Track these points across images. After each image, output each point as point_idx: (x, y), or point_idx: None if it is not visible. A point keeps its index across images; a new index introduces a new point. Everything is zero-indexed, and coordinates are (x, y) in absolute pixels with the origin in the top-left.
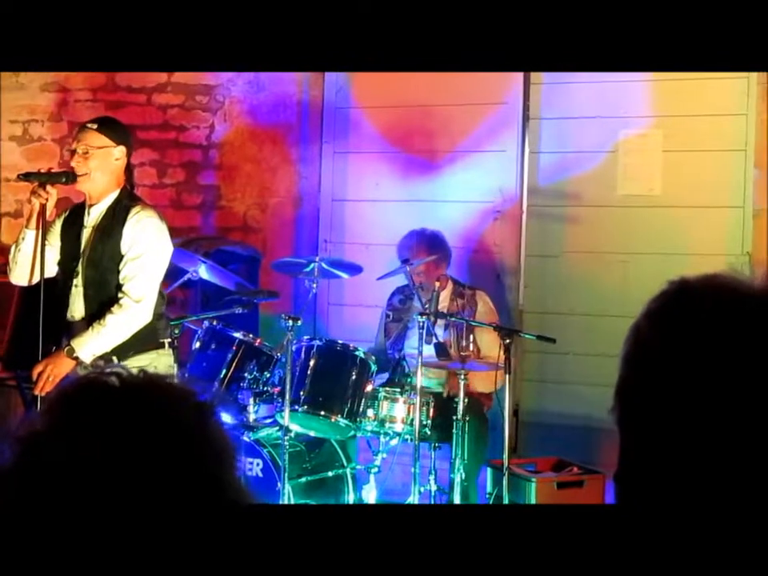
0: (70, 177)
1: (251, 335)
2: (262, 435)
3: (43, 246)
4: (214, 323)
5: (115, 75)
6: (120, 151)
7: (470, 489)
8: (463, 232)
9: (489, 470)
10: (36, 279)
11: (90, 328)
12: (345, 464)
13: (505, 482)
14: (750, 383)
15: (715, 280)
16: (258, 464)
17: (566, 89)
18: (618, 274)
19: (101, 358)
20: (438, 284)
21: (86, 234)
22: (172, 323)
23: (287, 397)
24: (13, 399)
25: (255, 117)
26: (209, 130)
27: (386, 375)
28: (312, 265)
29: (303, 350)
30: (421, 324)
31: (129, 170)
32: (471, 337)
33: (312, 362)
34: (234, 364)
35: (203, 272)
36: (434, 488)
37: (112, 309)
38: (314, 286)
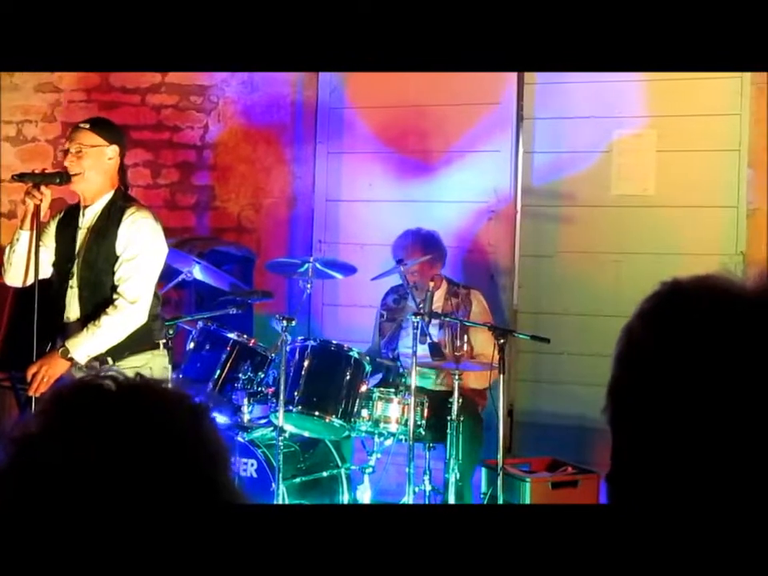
0: (64, 177)
1: (245, 336)
2: (257, 436)
3: (37, 246)
4: (209, 324)
5: (109, 76)
6: (113, 150)
7: (464, 489)
8: (457, 232)
9: (483, 470)
10: (30, 280)
11: (85, 329)
12: (339, 464)
13: (499, 482)
14: (742, 383)
15: (708, 281)
16: (252, 464)
17: (560, 89)
18: (612, 274)
19: (96, 359)
20: (432, 284)
21: (80, 235)
22: (166, 324)
23: (281, 397)
24: (7, 400)
25: (249, 117)
26: (203, 130)
27: (380, 375)
28: (306, 265)
29: (297, 350)
30: (415, 324)
31: (123, 170)
32: (465, 337)
33: (306, 363)
34: (228, 364)
35: (197, 272)
36: (428, 488)
37: (107, 310)
38: (309, 286)
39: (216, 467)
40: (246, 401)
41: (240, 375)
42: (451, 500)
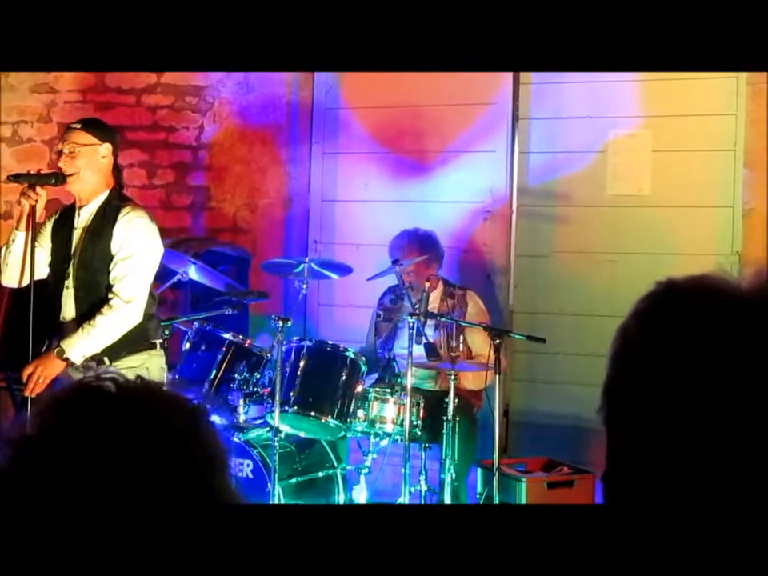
0: (60, 178)
1: (241, 336)
2: (252, 436)
3: (33, 247)
4: (204, 324)
5: (104, 76)
6: (106, 149)
7: (460, 489)
8: (453, 232)
9: (479, 470)
10: (26, 281)
11: (80, 329)
12: (335, 465)
13: (495, 483)
14: (737, 383)
15: (703, 280)
16: (248, 465)
17: (555, 89)
18: (607, 274)
19: (92, 359)
20: (428, 284)
21: (76, 235)
22: (162, 324)
23: (277, 397)
24: (2, 401)
25: (245, 117)
26: (198, 130)
27: (375, 375)
28: (302, 265)
29: (293, 350)
30: (411, 324)
31: (117, 170)
32: (461, 337)
33: (302, 363)
34: (223, 365)
35: (193, 273)
36: (424, 488)
37: (102, 309)
38: (304, 286)
39: (214, 470)
40: (241, 401)
41: (236, 376)
42: (447, 500)
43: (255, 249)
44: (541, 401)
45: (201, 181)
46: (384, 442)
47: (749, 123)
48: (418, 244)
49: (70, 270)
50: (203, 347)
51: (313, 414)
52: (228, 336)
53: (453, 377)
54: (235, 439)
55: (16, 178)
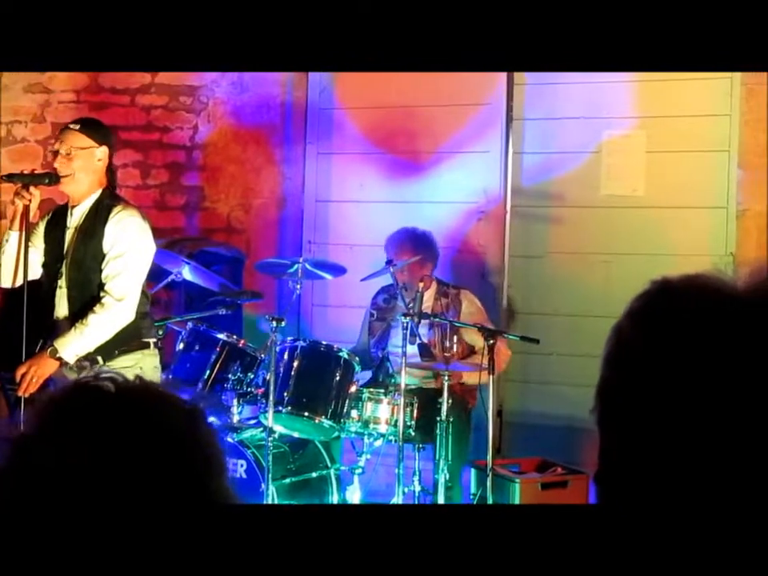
0: (54, 178)
1: (235, 336)
2: (246, 436)
3: (27, 247)
4: (198, 324)
5: (98, 76)
6: (102, 152)
7: (453, 490)
8: (447, 232)
9: (473, 470)
10: (20, 281)
11: (73, 328)
12: (329, 465)
13: (489, 483)
14: (732, 383)
15: (698, 280)
16: (241, 465)
17: (549, 89)
18: (601, 275)
19: (85, 358)
20: (421, 284)
21: (68, 235)
22: (156, 324)
23: (271, 398)
24: None
25: (239, 118)
26: (192, 131)
27: (368, 374)
28: (296, 266)
29: (287, 350)
30: (404, 324)
31: (111, 170)
32: (455, 337)
33: (296, 363)
34: (217, 365)
35: (187, 273)
36: (417, 489)
37: (94, 308)
38: (298, 286)
39: (212, 471)
40: (235, 401)
41: (229, 376)
42: (440, 501)
43: (249, 249)
44: (534, 401)
45: (195, 181)
46: (378, 443)
47: (743, 124)
48: (413, 243)
49: (63, 269)
50: (197, 347)
51: (306, 414)
52: (222, 336)
53: (446, 377)
54: (229, 439)
55: (9, 177)
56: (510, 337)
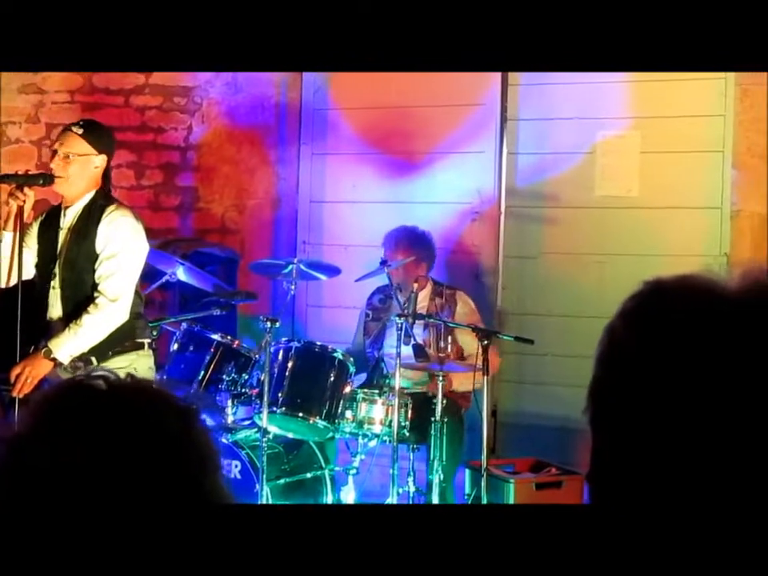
0: (48, 179)
1: (229, 337)
2: (240, 437)
3: (21, 248)
4: (192, 325)
5: (92, 77)
6: (101, 159)
7: (447, 490)
8: (441, 233)
9: (467, 471)
10: (14, 281)
11: (67, 329)
12: (323, 466)
13: (483, 483)
14: (723, 383)
15: (690, 280)
16: (236, 466)
17: (543, 90)
18: (595, 276)
19: (80, 359)
20: (416, 285)
21: (62, 235)
22: (150, 325)
23: (265, 398)
24: None
25: (233, 118)
26: (187, 131)
27: (364, 375)
28: (290, 266)
29: (281, 351)
30: (399, 325)
31: (107, 174)
32: (450, 338)
33: (290, 364)
34: (212, 366)
35: (181, 274)
36: (412, 489)
37: (88, 308)
38: (292, 287)
39: (206, 470)
40: (229, 402)
41: (224, 376)
42: (435, 501)
43: (243, 249)
44: (529, 402)
45: (189, 181)
46: (372, 443)
47: (737, 124)
48: (410, 242)
49: (56, 270)
50: (191, 348)
51: (301, 414)
52: (216, 337)
53: (441, 378)
54: (223, 440)
55: (3, 178)
56: (505, 337)
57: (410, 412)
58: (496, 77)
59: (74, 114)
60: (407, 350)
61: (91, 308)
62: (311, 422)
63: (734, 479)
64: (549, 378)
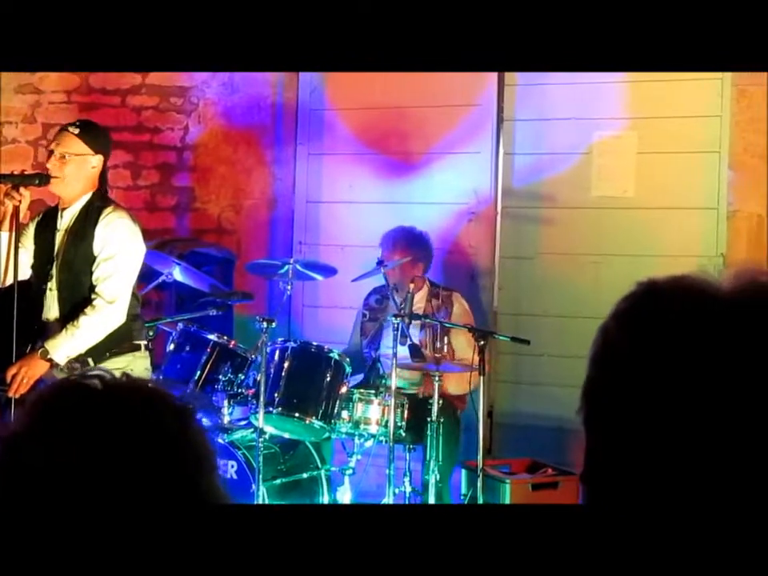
0: (44, 179)
1: (225, 337)
2: (237, 437)
3: (17, 248)
4: (189, 325)
5: (89, 77)
6: (98, 159)
7: (443, 490)
8: (438, 233)
9: (463, 471)
10: (9, 281)
11: (64, 330)
12: (319, 466)
13: (479, 484)
14: (716, 383)
15: (683, 281)
16: (232, 466)
17: (540, 90)
18: (591, 276)
19: (76, 360)
20: (412, 285)
21: (59, 237)
22: (147, 325)
23: (262, 398)
24: None
25: (229, 118)
26: (183, 131)
27: (360, 375)
28: (286, 266)
29: (278, 351)
30: (395, 325)
31: (103, 175)
32: (446, 338)
33: (286, 364)
34: (208, 366)
35: (177, 274)
36: (408, 489)
37: (85, 310)
38: (289, 287)
39: (203, 470)
40: (226, 402)
41: (220, 377)
42: (431, 501)
43: (240, 250)
44: (525, 402)
45: (185, 182)
46: (368, 444)
47: (733, 125)
48: (407, 242)
49: (53, 271)
50: (188, 348)
51: (297, 415)
52: (212, 337)
53: (437, 378)
54: (219, 440)
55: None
56: (501, 338)
57: (406, 412)
58: (492, 77)
59: (71, 114)
60: (403, 351)
61: (88, 310)
62: (307, 422)
63: (727, 479)
64: (545, 378)
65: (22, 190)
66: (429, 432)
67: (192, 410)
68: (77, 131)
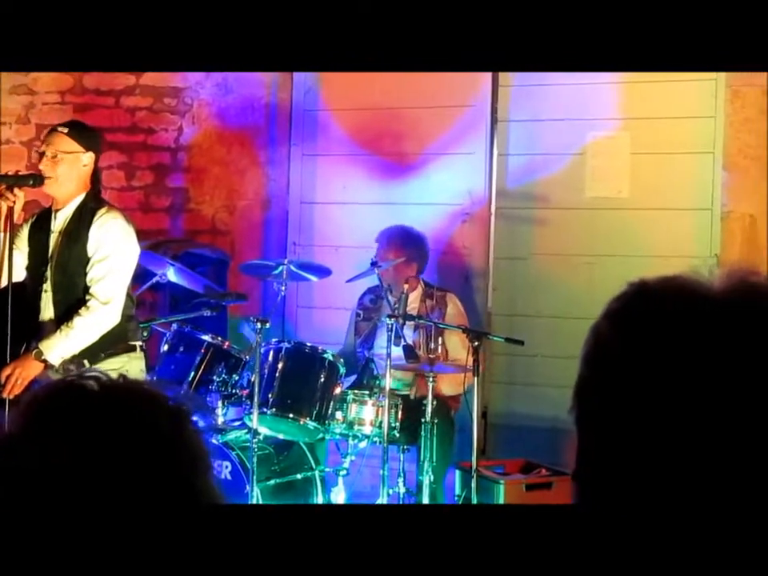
0: (38, 180)
1: (219, 338)
2: (231, 438)
3: (11, 249)
4: (183, 326)
5: (83, 78)
6: (89, 157)
7: (437, 491)
8: (432, 234)
9: (457, 472)
10: (4, 283)
11: (58, 331)
12: (313, 467)
13: (473, 485)
14: (707, 383)
15: (675, 281)
16: (226, 467)
17: (534, 91)
18: (585, 277)
19: (71, 361)
20: (406, 286)
21: (53, 238)
22: (140, 326)
23: (256, 399)
24: None
25: (223, 119)
26: (177, 132)
27: (354, 376)
28: (281, 267)
29: (272, 352)
30: (389, 326)
31: (96, 174)
32: (440, 339)
33: (280, 365)
34: (202, 367)
35: (172, 275)
36: (402, 490)
37: (79, 311)
38: (283, 288)
39: (198, 471)
40: (220, 403)
41: (214, 377)
42: (425, 502)
43: (234, 250)
44: (519, 403)
45: (179, 182)
46: (362, 444)
47: (727, 125)
48: (403, 241)
49: (48, 273)
50: (181, 349)
51: (291, 415)
52: (206, 338)
53: (431, 379)
54: (213, 441)
55: None
56: (495, 338)
57: (400, 413)
58: (486, 78)
59: (65, 114)
60: (397, 351)
61: (83, 310)
62: (301, 422)
63: (718, 477)
64: (539, 379)
65: (16, 191)
66: (423, 433)
67: (187, 411)
68: (66, 130)
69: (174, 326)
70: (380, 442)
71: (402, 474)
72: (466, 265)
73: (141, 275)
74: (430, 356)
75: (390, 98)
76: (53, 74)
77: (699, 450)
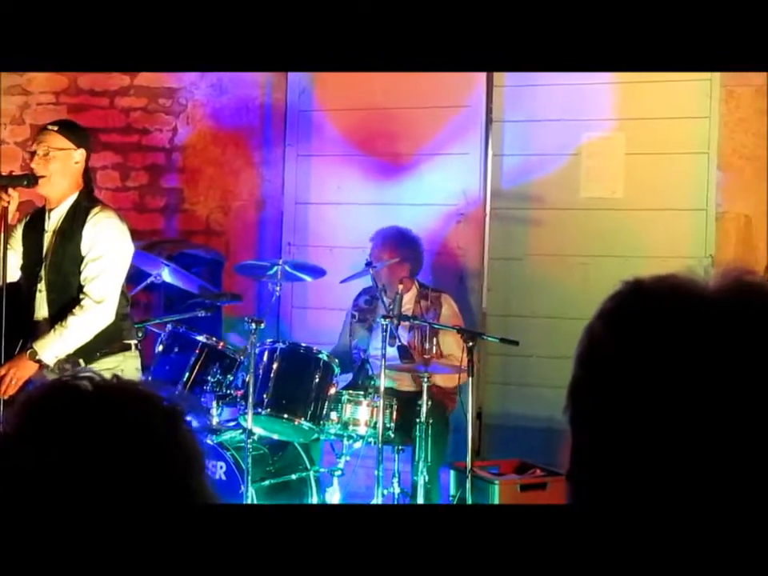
0: (32, 180)
1: (214, 338)
2: (225, 438)
3: (5, 249)
4: (177, 326)
5: (77, 78)
6: (80, 154)
7: (432, 491)
8: (427, 235)
9: (452, 472)
10: None
11: (52, 330)
12: (308, 467)
13: (468, 485)
14: (700, 383)
15: (669, 280)
16: (221, 467)
17: (529, 92)
18: (579, 277)
19: (66, 360)
20: (401, 286)
21: (47, 238)
22: (135, 326)
23: (250, 400)
24: None
25: (218, 120)
26: (172, 133)
27: (349, 376)
28: (275, 268)
29: (266, 352)
30: (384, 327)
31: (88, 173)
32: (435, 339)
33: (275, 365)
34: (197, 367)
35: (166, 275)
36: (397, 490)
37: (73, 310)
38: (278, 288)
39: (192, 471)
40: (214, 403)
41: (209, 378)
42: (420, 502)
43: (228, 251)
44: (514, 403)
45: (174, 183)
46: (357, 445)
47: (722, 126)
48: (396, 242)
49: (42, 272)
50: (176, 349)
51: (286, 416)
52: (201, 338)
53: (426, 379)
54: (208, 441)
55: None
56: (490, 339)
57: (394, 413)
58: (481, 78)
59: (59, 115)
60: (392, 352)
61: (77, 310)
62: (296, 423)
63: (713, 476)
64: (534, 379)
65: (10, 191)
66: (418, 433)
67: (181, 411)
68: (56, 128)
69: (169, 326)
70: (375, 443)
71: (396, 475)
72: (460, 265)
73: (135, 276)
74: (425, 356)
75: (384, 99)
76: (47, 75)
77: (693, 449)
